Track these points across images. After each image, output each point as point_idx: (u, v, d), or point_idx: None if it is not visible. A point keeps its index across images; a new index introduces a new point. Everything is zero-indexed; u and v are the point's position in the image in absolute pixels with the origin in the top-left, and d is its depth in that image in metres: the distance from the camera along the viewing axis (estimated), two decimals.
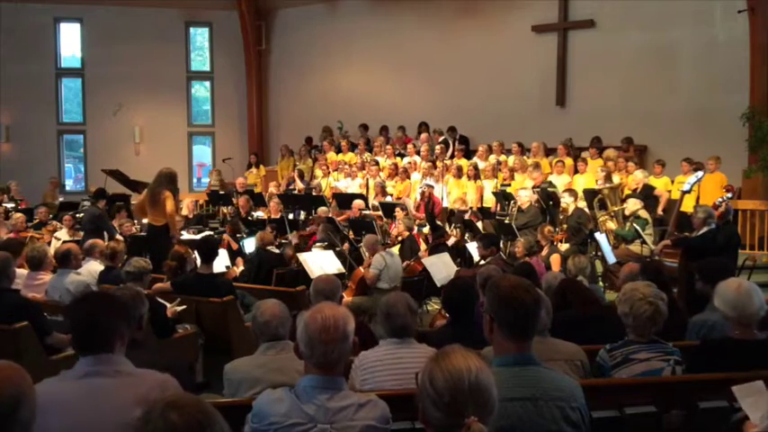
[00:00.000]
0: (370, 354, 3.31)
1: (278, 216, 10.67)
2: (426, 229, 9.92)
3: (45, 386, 2.29)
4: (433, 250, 8.56)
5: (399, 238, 9.03)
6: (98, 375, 2.34)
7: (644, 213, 8.68)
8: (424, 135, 13.15)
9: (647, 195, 9.60)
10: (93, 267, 6.62)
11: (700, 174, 7.97)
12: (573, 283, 5.06)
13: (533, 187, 10.20)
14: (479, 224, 9.74)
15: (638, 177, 9.89)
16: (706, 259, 5.29)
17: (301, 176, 13.07)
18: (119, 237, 9.09)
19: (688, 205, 8.37)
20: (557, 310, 4.48)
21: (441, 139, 12.86)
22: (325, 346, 2.32)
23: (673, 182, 10.16)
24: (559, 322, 3.98)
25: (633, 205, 8.74)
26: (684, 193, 7.53)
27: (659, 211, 9.68)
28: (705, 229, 6.67)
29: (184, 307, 5.65)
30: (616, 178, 10.26)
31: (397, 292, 3.67)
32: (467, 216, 9.92)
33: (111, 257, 6.50)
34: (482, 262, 7.33)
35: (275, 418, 2.31)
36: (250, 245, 8.68)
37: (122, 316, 2.48)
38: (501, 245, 8.45)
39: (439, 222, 10.48)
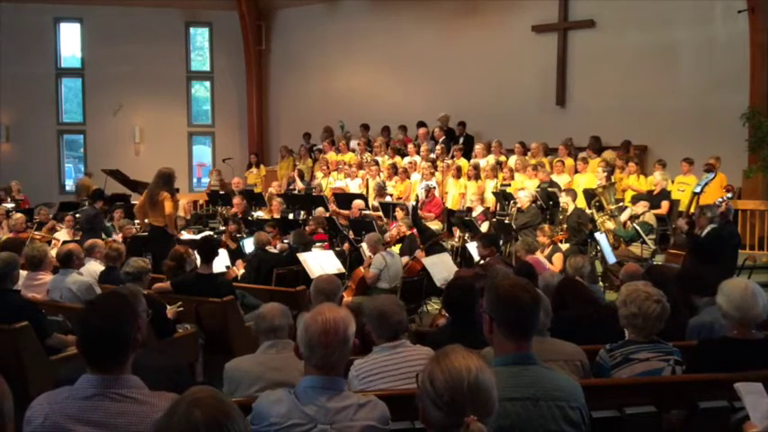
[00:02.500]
0: (366, 364, 3.28)
1: (278, 216, 10.69)
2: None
3: (46, 405, 2.18)
4: (429, 250, 8.56)
5: (399, 236, 9.01)
6: (105, 398, 2.16)
7: (650, 218, 8.68)
8: (422, 130, 13.18)
9: (663, 197, 9.60)
10: (94, 267, 6.62)
11: (711, 175, 8.04)
12: (573, 282, 5.05)
13: (539, 185, 10.22)
14: (486, 224, 9.75)
15: (657, 179, 9.86)
16: (684, 268, 5.56)
17: (301, 176, 13.08)
18: (114, 237, 9.10)
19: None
20: (556, 310, 4.48)
21: (441, 138, 12.86)
22: (324, 348, 2.32)
23: (673, 182, 10.15)
24: (559, 322, 3.98)
25: (641, 207, 8.74)
26: (696, 194, 7.57)
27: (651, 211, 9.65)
28: (709, 227, 6.84)
29: (182, 309, 5.65)
30: (614, 178, 10.26)
31: (384, 297, 3.62)
32: (475, 214, 9.92)
33: (114, 258, 6.48)
34: (481, 262, 7.34)
35: (275, 418, 2.31)
36: (249, 245, 8.69)
37: (133, 321, 2.31)
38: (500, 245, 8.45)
39: (438, 222, 10.50)
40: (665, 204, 9.60)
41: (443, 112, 13.32)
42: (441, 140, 12.74)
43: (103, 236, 9.06)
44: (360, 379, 3.22)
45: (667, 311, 3.30)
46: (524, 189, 9.93)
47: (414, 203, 10.17)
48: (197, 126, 16.86)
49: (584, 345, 3.53)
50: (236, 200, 11.43)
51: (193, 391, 1.72)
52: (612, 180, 9.94)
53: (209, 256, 6.23)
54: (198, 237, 8.89)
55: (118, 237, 9.45)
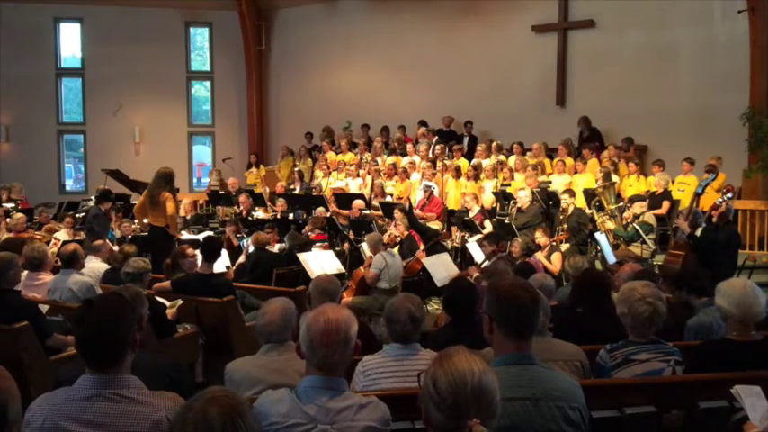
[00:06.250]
0: (374, 360, 3.28)
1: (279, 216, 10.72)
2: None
3: (45, 406, 2.19)
4: (430, 250, 8.56)
5: (397, 239, 8.99)
6: (104, 398, 2.16)
7: (650, 218, 8.68)
8: (421, 129, 13.21)
9: (664, 198, 9.63)
10: (95, 266, 6.63)
11: (712, 176, 8.12)
12: (600, 275, 4.99)
13: (539, 185, 10.23)
14: (487, 222, 9.73)
15: (657, 180, 9.87)
16: (683, 270, 5.72)
17: (300, 177, 13.05)
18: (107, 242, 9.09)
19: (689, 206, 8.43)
20: (578, 301, 4.45)
21: (434, 140, 12.89)
22: (325, 348, 2.32)
23: (673, 182, 10.14)
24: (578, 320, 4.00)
25: (638, 209, 8.75)
26: (698, 195, 7.63)
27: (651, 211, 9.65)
28: (700, 229, 7.03)
29: (182, 303, 5.66)
30: (615, 177, 10.26)
31: (402, 297, 3.54)
32: (472, 215, 9.91)
33: (121, 260, 6.43)
34: (486, 262, 7.32)
35: (276, 418, 2.31)
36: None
37: (132, 321, 2.29)
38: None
39: (439, 222, 10.50)
40: (665, 204, 9.61)
41: (447, 114, 13.33)
42: (434, 141, 12.75)
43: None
44: (365, 375, 3.22)
45: (660, 314, 3.26)
46: (524, 189, 9.92)
47: (406, 206, 10.17)
48: (197, 126, 16.86)
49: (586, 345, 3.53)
50: (241, 197, 11.46)
51: (210, 389, 1.77)
52: (612, 180, 9.94)
53: (212, 256, 6.24)
54: (198, 237, 8.90)
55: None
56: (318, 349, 2.33)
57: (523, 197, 9.65)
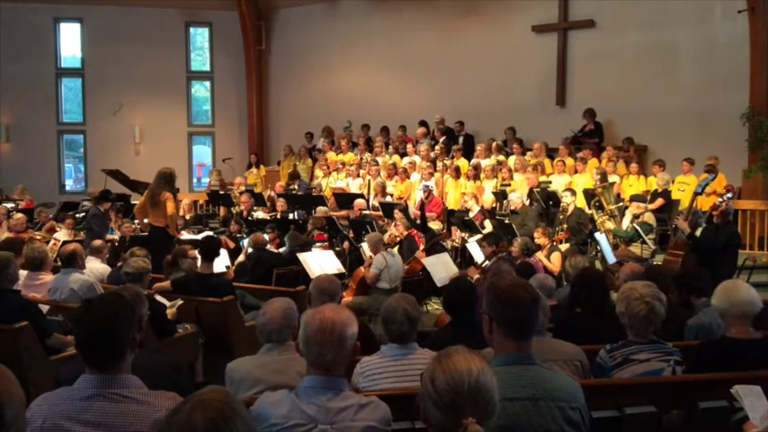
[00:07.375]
0: (372, 361, 3.29)
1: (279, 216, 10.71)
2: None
3: (45, 406, 2.19)
4: (430, 250, 8.55)
5: (397, 239, 8.99)
6: (104, 398, 2.16)
7: (650, 218, 8.68)
8: (420, 129, 13.20)
9: (659, 195, 9.62)
10: (95, 266, 6.63)
11: (711, 176, 8.16)
12: (599, 275, 4.98)
13: (530, 189, 10.23)
14: (487, 222, 9.73)
15: (660, 182, 9.87)
16: (684, 270, 5.82)
17: (296, 177, 13.02)
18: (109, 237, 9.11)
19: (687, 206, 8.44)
20: (576, 301, 4.44)
21: (442, 139, 12.87)
22: (319, 347, 2.33)
23: (673, 182, 10.15)
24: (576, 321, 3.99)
25: (636, 209, 8.76)
26: (697, 194, 7.63)
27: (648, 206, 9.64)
28: (700, 229, 7.07)
29: (181, 302, 5.66)
30: (615, 177, 10.27)
31: (398, 297, 3.53)
32: (472, 215, 9.91)
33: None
34: (486, 263, 7.31)
35: (276, 419, 2.31)
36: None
37: (132, 321, 2.28)
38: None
39: (439, 222, 10.49)
40: (658, 201, 9.62)
41: (438, 115, 13.33)
42: (441, 141, 12.75)
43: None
44: (365, 376, 3.23)
45: (657, 314, 3.26)
46: (515, 191, 9.96)
47: (405, 205, 10.17)
48: (197, 126, 16.86)
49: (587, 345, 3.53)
50: (242, 197, 11.46)
51: (205, 390, 1.71)
52: (609, 180, 9.94)
53: (211, 256, 6.24)
54: (198, 237, 8.89)
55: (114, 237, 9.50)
56: (313, 347, 2.34)
57: (515, 199, 9.66)
